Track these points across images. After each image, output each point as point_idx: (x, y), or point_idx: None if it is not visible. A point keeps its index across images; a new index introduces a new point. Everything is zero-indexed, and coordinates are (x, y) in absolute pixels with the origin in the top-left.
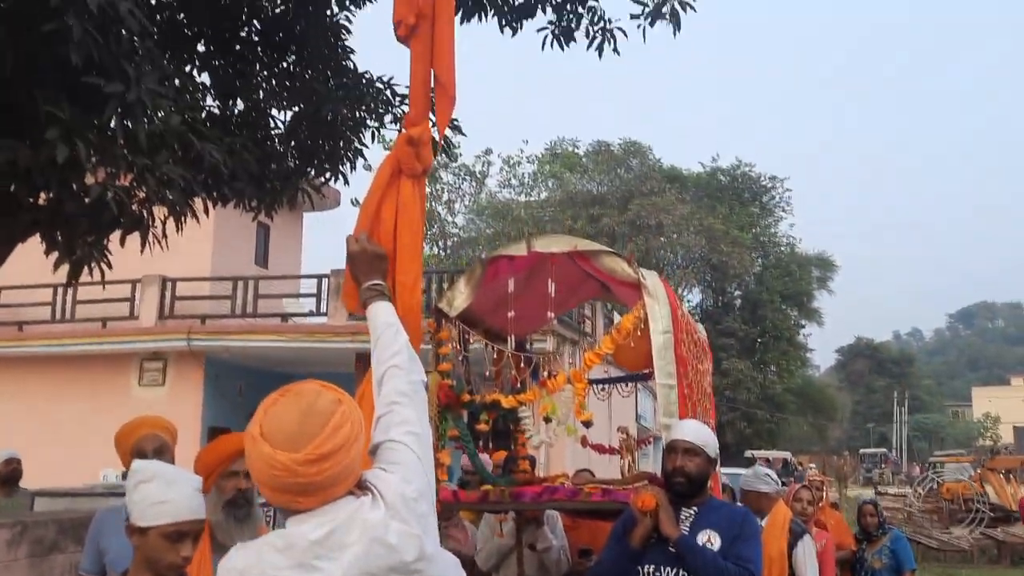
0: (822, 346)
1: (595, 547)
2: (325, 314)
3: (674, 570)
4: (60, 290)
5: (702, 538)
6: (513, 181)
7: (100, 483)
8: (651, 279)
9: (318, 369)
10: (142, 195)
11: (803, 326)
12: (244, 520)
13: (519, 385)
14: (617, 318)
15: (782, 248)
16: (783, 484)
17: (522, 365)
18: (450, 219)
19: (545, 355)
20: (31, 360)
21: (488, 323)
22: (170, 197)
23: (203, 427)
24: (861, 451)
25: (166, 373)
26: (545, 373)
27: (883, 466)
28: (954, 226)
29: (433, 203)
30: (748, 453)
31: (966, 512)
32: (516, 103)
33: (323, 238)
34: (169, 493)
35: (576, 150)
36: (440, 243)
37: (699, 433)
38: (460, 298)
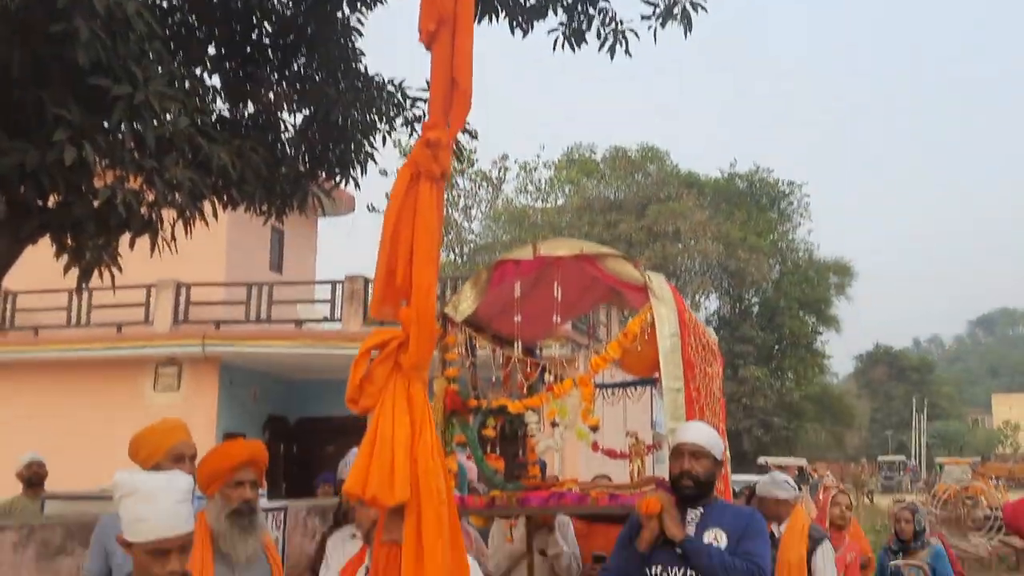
0: (841, 353)
1: (610, 553)
2: (339, 320)
3: (681, 570)
4: (75, 295)
5: (708, 537)
6: (530, 187)
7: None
8: (657, 281)
9: (332, 376)
10: (151, 198)
11: (821, 333)
12: (248, 529)
13: (526, 391)
14: None
15: (800, 254)
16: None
17: (529, 370)
18: (467, 225)
19: (552, 360)
20: (46, 365)
21: (495, 328)
22: (179, 200)
23: (218, 433)
24: (879, 459)
25: (181, 379)
26: (552, 378)
27: (901, 474)
28: (975, 231)
29: (450, 209)
30: (761, 460)
31: (984, 520)
32: (533, 107)
33: (338, 243)
34: (148, 511)
35: (593, 155)
36: (456, 249)
37: (705, 435)
38: (466, 303)
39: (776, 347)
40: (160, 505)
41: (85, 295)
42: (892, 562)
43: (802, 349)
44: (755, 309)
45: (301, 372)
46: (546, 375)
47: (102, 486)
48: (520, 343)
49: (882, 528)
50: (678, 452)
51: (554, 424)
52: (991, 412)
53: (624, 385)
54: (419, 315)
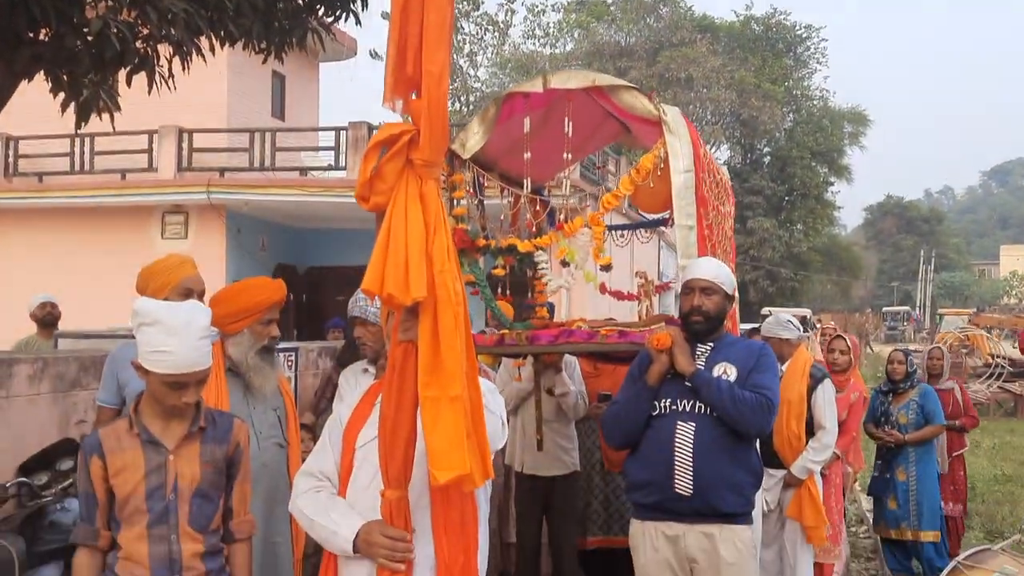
0: (851, 204)
1: (616, 394)
2: (344, 168)
3: (690, 403)
4: (78, 141)
5: (718, 371)
6: (538, 31)
7: (123, 326)
8: (672, 115)
9: (340, 225)
10: (146, 32)
11: (832, 183)
12: (274, 365)
13: (536, 230)
14: None
15: (815, 102)
16: None
17: (538, 209)
18: (472, 72)
19: (563, 199)
20: (54, 212)
21: (503, 166)
22: (174, 34)
23: (227, 281)
24: (884, 309)
25: (188, 227)
26: (562, 217)
27: (905, 324)
28: (993, 80)
29: (455, 55)
30: (765, 310)
31: (985, 367)
32: None
33: (340, 94)
34: (169, 343)
35: None
36: (462, 98)
37: (715, 271)
38: (474, 139)
39: (786, 198)
40: (183, 340)
41: (88, 141)
42: (887, 405)
43: (812, 200)
44: (766, 160)
45: (308, 221)
46: (556, 216)
47: (114, 326)
48: (529, 182)
49: (883, 375)
50: (688, 288)
51: (564, 264)
52: (998, 263)
53: (633, 227)
54: (430, 105)
